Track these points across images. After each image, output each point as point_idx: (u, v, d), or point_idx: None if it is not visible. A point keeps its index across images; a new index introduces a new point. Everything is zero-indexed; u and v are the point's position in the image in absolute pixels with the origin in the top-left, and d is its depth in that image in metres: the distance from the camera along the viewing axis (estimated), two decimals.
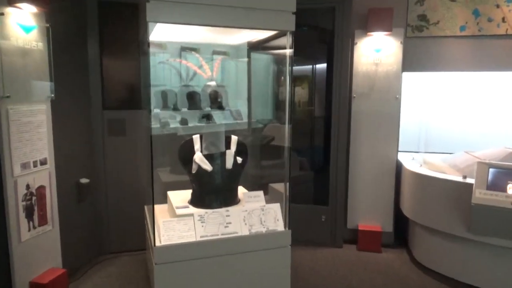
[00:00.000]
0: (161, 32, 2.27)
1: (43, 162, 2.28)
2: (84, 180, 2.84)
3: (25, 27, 2.11)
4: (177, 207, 2.27)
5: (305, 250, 3.25)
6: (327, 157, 3.37)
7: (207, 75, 2.34)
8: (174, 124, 2.75)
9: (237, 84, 3.35)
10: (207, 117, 2.33)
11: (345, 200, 3.35)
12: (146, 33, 1.86)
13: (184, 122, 2.37)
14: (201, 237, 2.09)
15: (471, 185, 2.43)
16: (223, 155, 2.33)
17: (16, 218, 2.09)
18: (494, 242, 2.38)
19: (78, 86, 2.82)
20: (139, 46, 2.94)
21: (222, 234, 2.14)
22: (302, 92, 3.70)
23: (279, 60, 3.41)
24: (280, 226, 2.27)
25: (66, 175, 2.61)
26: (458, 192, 2.53)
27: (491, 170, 2.34)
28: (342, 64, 3.18)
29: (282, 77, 3.70)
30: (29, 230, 2.18)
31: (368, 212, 3.33)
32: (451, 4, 3.13)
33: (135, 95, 3.15)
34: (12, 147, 2.06)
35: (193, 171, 2.31)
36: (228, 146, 2.40)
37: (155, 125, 2.79)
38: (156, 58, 2.75)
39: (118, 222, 3.14)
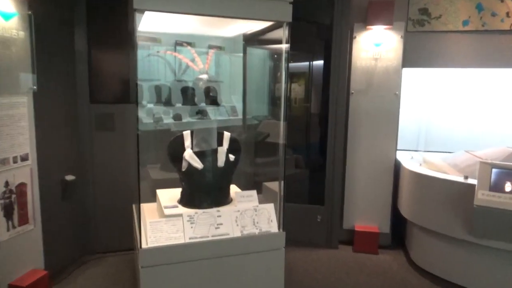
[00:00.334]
0: (150, 23, 2.18)
1: (24, 158, 2.18)
2: (69, 177, 2.74)
3: (4, 14, 2.00)
4: (166, 207, 2.18)
5: (299, 251, 3.18)
6: (323, 155, 3.30)
7: (199, 67, 2.24)
8: (168, 119, 2.67)
9: (231, 79, 3.29)
10: (202, 113, 2.25)
11: (341, 199, 3.28)
12: (133, 22, 1.75)
13: (178, 117, 2.28)
14: (190, 238, 2.00)
15: (473, 186, 2.36)
16: (214, 152, 2.24)
17: None
18: (497, 246, 2.32)
19: (63, 79, 2.71)
20: (129, 37, 2.83)
21: (212, 236, 2.05)
22: (298, 89, 3.63)
23: (275, 54, 3.35)
24: (273, 227, 2.19)
25: (50, 171, 2.51)
26: (459, 193, 2.46)
27: (494, 170, 2.27)
28: (340, 59, 3.10)
29: (279, 73, 3.65)
30: (8, 230, 2.08)
31: (365, 212, 3.26)
32: None
33: (125, 89, 3.06)
34: None
35: (183, 169, 2.21)
36: (220, 143, 2.31)
37: (148, 120, 2.72)
38: (146, 50, 2.66)
39: (105, 221, 3.05)
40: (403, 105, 3.15)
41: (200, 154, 2.21)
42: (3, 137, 2.04)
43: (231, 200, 2.35)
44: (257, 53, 3.48)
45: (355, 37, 3.10)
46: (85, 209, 2.96)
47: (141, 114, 2.58)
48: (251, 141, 3.60)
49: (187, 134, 2.31)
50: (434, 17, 3.10)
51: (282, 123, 2.24)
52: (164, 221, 2.03)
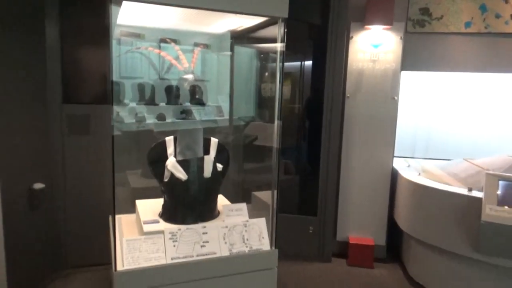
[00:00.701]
0: (131, 16, 1.99)
1: None
2: (38, 186, 2.51)
3: None
4: (145, 222, 1.98)
5: (290, 265, 3.01)
6: (315, 161, 3.15)
7: (184, 66, 2.05)
8: (151, 119, 2.48)
9: (217, 78, 3.15)
10: (187, 113, 2.06)
11: (335, 209, 3.14)
12: (108, 12, 1.55)
13: (161, 117, 2.10)
14: (172, 259, 1.81)
15: (478, 199, 2.24)
16: (200, 161, 2.05)
17: None
18: (505, 264, 2.19)
19: (32, 76, 2.48)
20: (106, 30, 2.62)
21: (197, 255, 1.86)
22: (285, 89, 3.48)
23: (264, 53, 3.21)
24: (265, 244, 2.01)
25: (15, 179, 2.29)
26: (463, 206, 2.34)
27: (501, 183, 2.14)
28: (335, 60, 2.95)
29: (266, 73, 3.54)
30: None
31: (359, 223, 3.13)
32: None
33: (103, 88, 2.85)
34: None
35: (165, 179, 2.02)
36: (206, 151, 2.12)
37: (129, 120, 2.52)
38: (127, 47, 2.46)
39: (78, 233, 2.83)
40: (399, 109, 3.02)
41: (184, 163, 2.02)
42: None
43: (218, 213, 2.17)
44: (246, 52, 3.34)
45: (351, 37, 2.96)
46: (55, 220, 2.73)
47: (123, 113, 2.40)
48: (238, 144, 3.46)
49: (169, 140, 2.11)
50: (435, 17, 2.98)
51: (276, 124, 2.08)
52: (143, 239, 1.83)
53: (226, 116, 3.16)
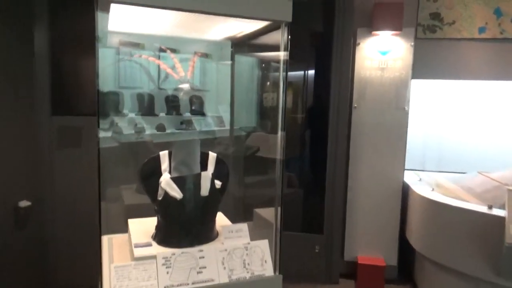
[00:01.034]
0: (123, 22, 1.87)
1: None
2: (24, 203, 2.38)
3: None
4: (136, 245, 1.83)
5: (294, 287, 2.85)
6: (321, 174, 3.02)
7: (180, 75, 1.93)
8: (150, 130, 2.38)
9: (217, 87, 3.08)
10: (187, 123, 1.94)
11: (342, 227, 3.00)
12: (95, 17, 1.43)
13: (161, 128, 1.99)
14: (165, 287, 1.66)
15: (499, 218, 2.09)
16: (197, 178, 1.91)
17: None
18: None
19: (18, 85, 2.36)
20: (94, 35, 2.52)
21: (193, 283, 1.71)
22: (288, 99, 3.37)
23: (266, 62, 3.12)
24: (268, 269, 1.86)
25: None
26: (482, 225, 2.19)
27: None
28: (341, 68, 2.84)
29: (268, 82, 3.45)
30: None
31: (369, 242, 2.98)
32: (469, 1, 2.82)
33: (95, 98, 2.72)
34: None
35: (159, 197, 1.87)
36: (204, 167, 1.98)
37: (128, 131, 2.43)
38: (123, 56, 2.37)
39: (68, 253, 2.70)
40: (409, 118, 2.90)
41: (179, 180, 1.87)
42: None
43: (217, 235, 2.02)
44: (247, 60, 3.26)
45: (358, 44, 2.85)
46: (43, 240, 2.60)
47: (122, 124, 2.39)
48: (239, 155, 3.34)
49: (164, 155, 1.98)
50: (446, 22, 2.87)
51: (279, 136, 1.96)
52: (133, 265, 1.68)
53: (227, 127, 3.09)
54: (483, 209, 2.25)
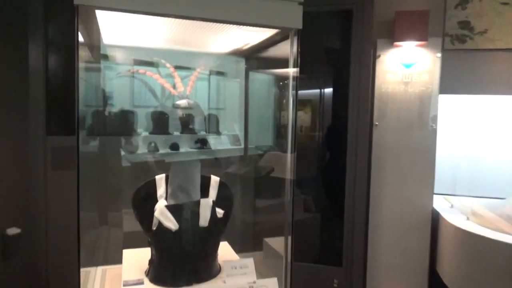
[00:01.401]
0: (114, 33, 1.75)
1: None
2: (12, 231, 2.23)
3: None
4: (126, 283, 1.64)
5: None
6: (339, 198, 2.78)
7: (179, 90, 1.76)
8: (164, 149, 2.30)
9: (231, 105, 2.98)
10: (201, 142, 1.81)
11: (363, 259, 2.75)
12: (75, 24, 1.29)
13: (174, 147, 1.86)
14: None
15: None
16: (196, 206, 1.71)
17: None
18: None
19: (10, 102, 2.25)
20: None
21: None
22: (305, 117, 3.20)
23: (281, 78, 2.99)
24: None
25: None
26: None
27: None
28: (360, 83, 2.64)
29: (285, 100, 3.32)
30: None
31: (394, 276, 2.72)
32: (502, 8, 2.60)
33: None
34: None
35: (153, 227, 1.69)
36: (205, 192, 1.78)
37: (142, 150, 2.32)
38: (113, 68, 2.25)
39: (62, 284, 2.51)
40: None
41: (175, 209, 1.69)
42: None
43: (219, 271, 1.81)
44: (261, 77, 3.15)
45: (379, 56, 2.66)
46: (35, 271, 2.42)
47: (135, 143, 2.32)
48: (251, 176, 3.17)
49: (160, 179, 1.80)
50: (478, 31, 2.65)
51: (289, 157, 1.78)
52: None
53: (243, 145, 2.98)
54: None
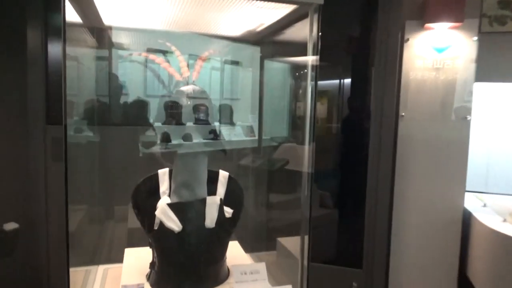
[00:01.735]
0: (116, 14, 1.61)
1: None
2: (10, 226, 2.13)
3: None
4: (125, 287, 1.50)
5: None
6: (360, 195, 2.61)
7: (184, 76, 1.60)
8: (177, 140, 2.22)
9: (242, 94, 2.94)
10: (214, 133, 1.69)
11: (386, 261, 2.58)
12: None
13: (187, 138, 1.75)
14: None
15: None
16: (202, 204, 1.56)
17: None
18: None
19: (7, 91, 2.14)
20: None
21: None
22: (322, 107, 3.05)
23: (298, 67, 2.85)
24: None
25: None
26: None
27: None
28: (386, 69, 2.45)
29: (300, 90, 3.19)
30: None
31: (419, 280, 2.56)
32: None
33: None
34: None
35: (155, 227, 1.55)
36: (212, 189, 1.63)
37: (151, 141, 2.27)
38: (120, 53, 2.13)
39: (63, 280, 2.41)
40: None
41: (179, 208, 1.54)
42: None
43: (227, 275, 1.67)
44: (277, 66, 3.02)
45: (407, 40, 2.44)
46: (35, 268, 2.33)
47: (148, 133, 2.23)
48: (265, 169, 3.04)
49: (163, 174, 1.67)
50: None
51: (307, 149, 1.65)
52: None
53: (257, 136, 2.92)
54: None
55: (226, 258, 1.65)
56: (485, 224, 2.19)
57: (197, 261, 1.51)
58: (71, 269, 2.43)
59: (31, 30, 2.21)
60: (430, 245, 2.51)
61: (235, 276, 1.54)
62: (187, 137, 1.59)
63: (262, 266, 1.60)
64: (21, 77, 2.20)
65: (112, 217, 2.58)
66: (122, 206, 2.59)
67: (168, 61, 1.74)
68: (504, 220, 2.21)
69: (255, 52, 2.72)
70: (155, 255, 1.57)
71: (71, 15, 2.34)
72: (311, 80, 1.49)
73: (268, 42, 2.56)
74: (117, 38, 2.27)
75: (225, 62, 2.71)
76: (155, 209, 1.54)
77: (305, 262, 1.81)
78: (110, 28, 2.15)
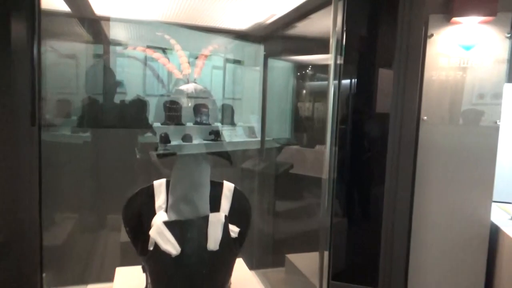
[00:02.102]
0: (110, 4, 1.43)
1: None
2: None
3: None
4: None
5: None
6: (375, 205, 2.45)
7: (184, 73, 1.41)
8: (176, 141, 2.09)
9: (247, 95, 2.82)
10: (216, 134, 1.54)
11: (404, 279, 2.42)
12: None
13: (187, 138, 1.61)
14: None
15: None
16: (204, 223, 1.37)
17: None
18: None
19: None
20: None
21: None
22: (323, 108, 2.93)
23: (303, 66, 2.71)
24: None
25: None
26: None
27: None
28: (407, 68, 2.26)
29: (304, 91, 3.05)
30: None
31: None
32: None
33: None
34: None
35: (150, 248, 1.35)
36: (215, 204, 1.44)
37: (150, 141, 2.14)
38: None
39: None
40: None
41: (177, 226, 1.34)
42: None
43: None
44: (282, 65, 2.90)
45: (431, 36, 2.28)
46: (27, 279, 2.17)
47: (146, 135, 2.17)
48: (269, 173, 2.89)
49: (159, 185, 1.48)
50: None
51: (327, 153, 1.49)
52: None
53: (259, 137, 2.81)
54: None
55: (231, 283, 1.46)
56: None
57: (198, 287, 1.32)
58: (71, 278, 2.29)
59: (15, 19, 2.05)
60: (453, 261, 2.36)
61: None
62: (186, 139, 1.41)
63: None
64: (4, 74, 2.04)
65: (103, 227, 2.42)
66: (115, 216, 2.43)
67: (167, 57, 1.56)
68: None
69: (259, 48, 2.58)
70: (149, 280, 1.38)
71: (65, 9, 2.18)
72: (334, 79, 1.30)
73: (276, 37, 2.40)
74: (112, 31, 2.10)
75: (227, 60, 2.63)
76: (149, 227, 1.35)
77: (325, 283, 1.62)
78: (105, 19, 1.98)
